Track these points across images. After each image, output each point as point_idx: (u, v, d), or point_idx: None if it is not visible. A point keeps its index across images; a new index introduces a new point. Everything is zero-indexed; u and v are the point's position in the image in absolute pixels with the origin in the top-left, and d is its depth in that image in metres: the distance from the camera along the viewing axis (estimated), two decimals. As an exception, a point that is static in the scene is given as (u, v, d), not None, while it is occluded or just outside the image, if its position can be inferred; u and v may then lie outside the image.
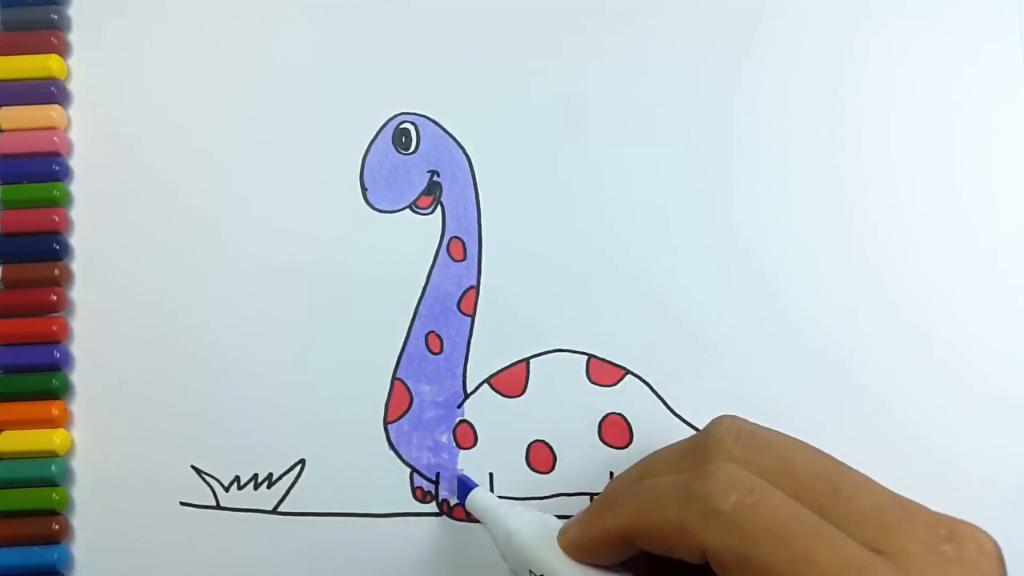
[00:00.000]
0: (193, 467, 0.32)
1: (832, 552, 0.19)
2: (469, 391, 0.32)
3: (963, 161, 0.33)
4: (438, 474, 0.31)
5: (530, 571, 0.25)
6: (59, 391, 0.32)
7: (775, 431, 0.23)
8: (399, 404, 0.32)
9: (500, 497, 0.31)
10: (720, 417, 0.24)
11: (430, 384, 0.32)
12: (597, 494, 0.31)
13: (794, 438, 0.23)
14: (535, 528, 0.26)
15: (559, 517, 0.31)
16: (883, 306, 0.32)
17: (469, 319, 0.32)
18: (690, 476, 0.21)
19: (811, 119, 0.33)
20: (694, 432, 0.31)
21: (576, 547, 0.24)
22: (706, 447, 0.23)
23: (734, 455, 0.22)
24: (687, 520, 0.21)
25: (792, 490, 0.21)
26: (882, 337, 0.32)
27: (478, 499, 0.30)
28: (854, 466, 0.22)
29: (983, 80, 0.33)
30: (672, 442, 0.25)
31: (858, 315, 0.32)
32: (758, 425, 0.23)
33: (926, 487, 0.31)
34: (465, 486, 0.30)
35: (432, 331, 0.32)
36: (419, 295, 0.32)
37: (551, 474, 0.31)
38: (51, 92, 0.33)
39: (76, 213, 0.33)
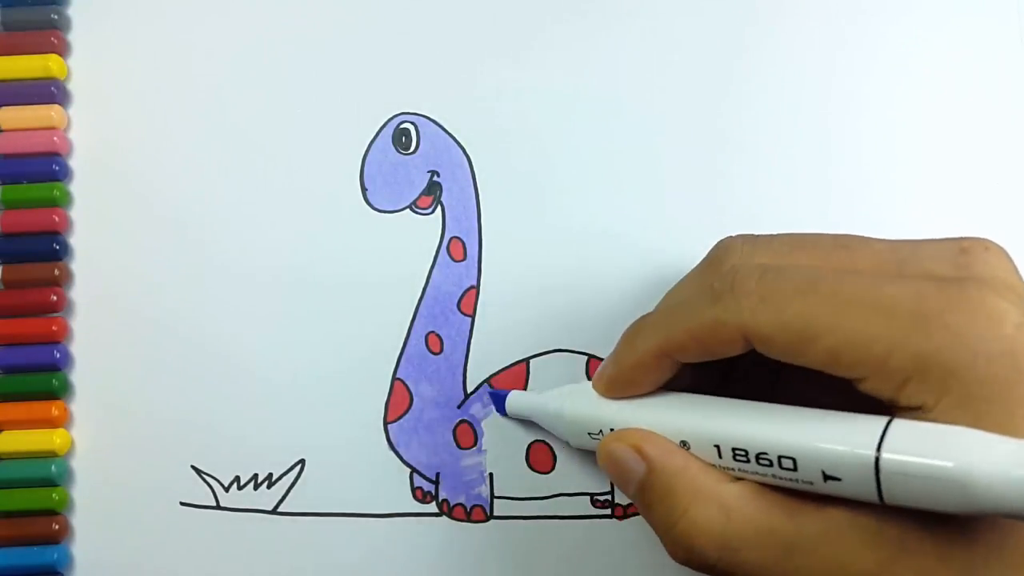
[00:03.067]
0: (193, 467, 0.32)
1: (856, 284, 0.20)
2: (469, 391, 0.32)
3: (973, 158, 0.33)
4: (438, 474, 0.32)
5: (590, 435, 0.26)
6: (59, 391, 0.32)
7: (776, 233, 0.24)
8: (399, 404, 0.32)
9: (499, 497, 0.31)
10: (725, 238, 0.25)
11: (430, 384, 0.32)
12: (597, 494, 0.31)
13: (795, 232, 0.24)
14: (573, 397, 0.27)
15: (560, 518, 0.31)
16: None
17: (469, 319, 0.32)
18: (711, 280, 0.23)
19: (819, 121, 0.33)
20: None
21: (615, 382, 0.25)
22: (717, 258, 0.24)
23: (746, 252, 0.23)
24: (720, 313, 0.22)
25: (808, 260, 0.22)
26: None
27: (516, 403, 0.30)
28: None
29: (983, 78, 0.33)
30: None
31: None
32: (760, 233, 0.25)
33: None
34: (499, 398, 0.31)
35: (432, 331, 0.32)
36: (419, 295, 0.32)
37: (551, 474, 0.31)
38: (51, 92, 0.33)
39: (76, 213, 0.33)
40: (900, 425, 0.19)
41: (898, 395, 0.19)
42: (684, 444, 0.23)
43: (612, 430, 0.25)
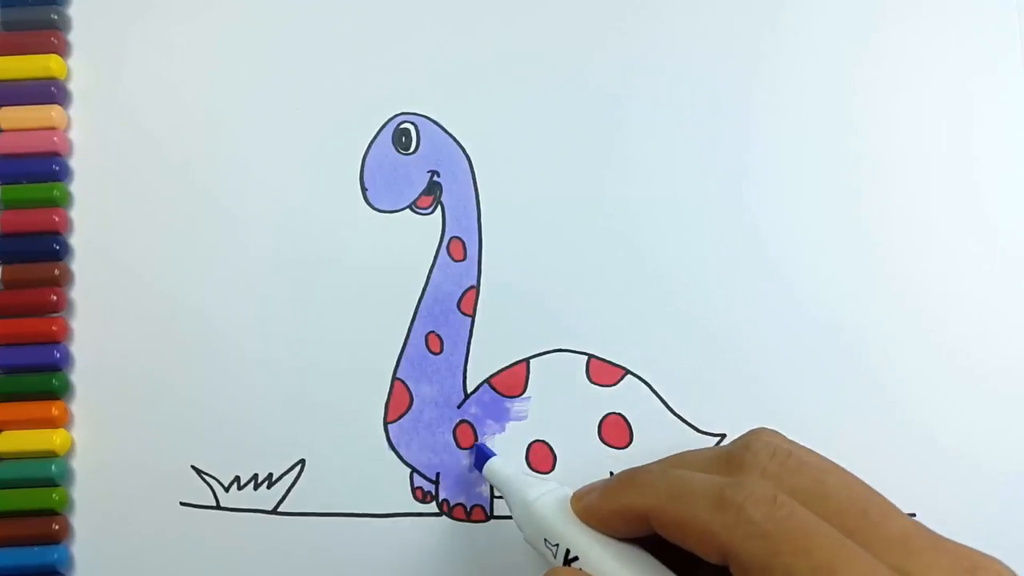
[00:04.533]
0: (193, 467, 0.32)
1: (855, 567, 0.19)
2: (469, 391, 0.32)
3: (975, 158, 0.33)
4: (438, 474, 0.31)
5: (545, 540, 0.26)
6: (59, 391, 0.32)
7: (810, 451, 0.24)
8: (399, 404, 0.32)
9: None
10: (758, 430, 0.24)
11: (430, 384, 0.32)
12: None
13: (829, 460, 0.23)
14: (552, 499, 0.26)
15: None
16: (891, 302, 0.32)
17: (469, 319, 0.32)
18: (725, 481, 0.22)
19: (823, 119, 0.33)
20: (693, 431, 0.31)
21: (592, 514, 0.25)
22: (742, 459, 0.23)
23: (769, 471, 0.22)
24: (715, 522, 0.21)
25: (822, 510, 0.21)
26: (889, 333, 0.32)
27: (496, 468, 0.30)
28: (860, 462, 0.23)
29: (989, 77, 0.33)
30: (696, 448, 0.26)
31: (864, 314, 0.32)
32: (794, 443, 0.24)
33: (934, 481, 0.31)
34: (483, 455, 0.30)
35: (432, 331, 0.32)
36: (419, 295, 0.32)
37: (551, 474, 0.31)
38: (51, 92, 0.33)
39: (76, 213, 0.33)
40: None
41: None
42: None
43: (567, 551, 0.25)
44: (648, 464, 0.26)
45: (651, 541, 0.24)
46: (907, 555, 0.20)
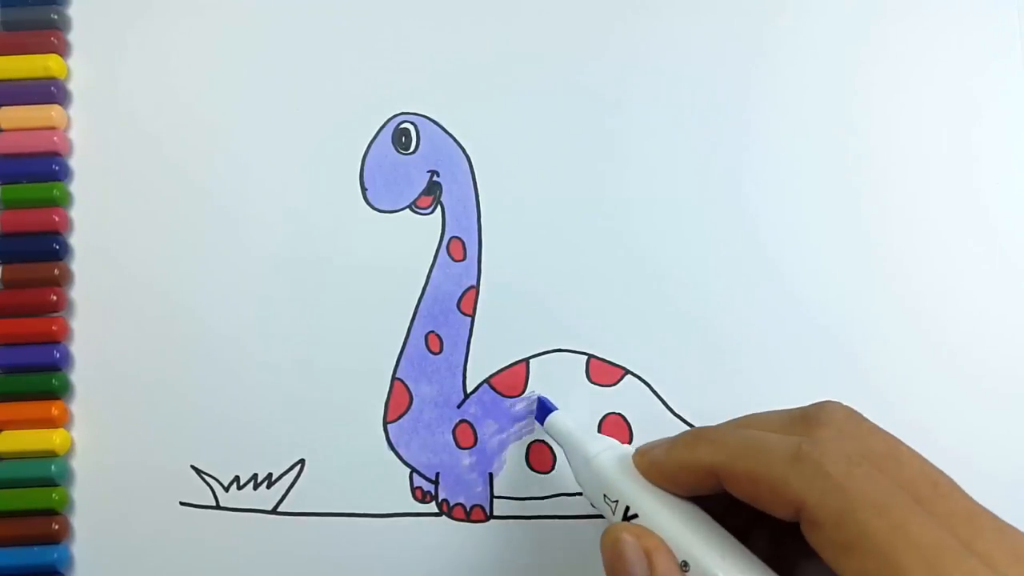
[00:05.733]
0: (193, 467, 0.32)
1: (927, 531, 0.19)
2: (469, 391, 0.32)
3: (975, 158, 0.33)
4: (438, 474, 0.31)
5: (605, 496, 0.26)
6: (59, 391, 0.32)
7: (880, 427, 0.24)
8: (399, 404, 0.32)
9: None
10: (829, 401, 0.24)
11: (430, 384, 0.32)
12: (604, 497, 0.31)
13: (895, 436, 0.23)
14: (614, 455, 0.26)
15: (559, 518, 0.31)
16: (891, 302, 0.32)
17: (469, 319, 0.32)
18: (801, 438, 0.22)
19: (822, 119, 0.33)
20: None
21: (658, 469, 0.25)
22: (818, 418, 0.23)
23: (846, 431, 0.23)
24: (792, 476, 0.21)
25: (896, 475, 0.21)
26: (889, 333, 0.32)
27: (558, 422, 0.29)
28: None
29: (989, 77, 0.33)
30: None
31: (863, 314, 0.32)
32: (865, 416, 0.24)
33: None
34: (545, 408, 0.30)
35: (432, 331, 0.32)
36: (419, 295, 0.32)
37: (551, 474, 0.31)
38: (51, 92, 0.33)
39: (76, 213, 0.33)
40: None
41: None
42: (684, 565, 0.23)
43: (627, 508, 0.25)
44: (717, 424, 0.26)
45: (710, 502, 0.24)
46: (972, 531, 0.20)
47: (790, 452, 0.21)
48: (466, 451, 0.32)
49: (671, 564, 0.23)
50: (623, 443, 0.27)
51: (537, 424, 0.31)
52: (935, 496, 0.21)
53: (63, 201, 0.32)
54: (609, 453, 0.26)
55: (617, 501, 0.25)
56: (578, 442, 0.28)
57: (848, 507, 0.20)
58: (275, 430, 0.32)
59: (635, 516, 0.24)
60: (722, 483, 0.23)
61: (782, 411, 0.25)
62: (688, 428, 0.31)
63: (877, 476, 0.21)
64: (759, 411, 0.25)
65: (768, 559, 0.22)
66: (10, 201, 0.32)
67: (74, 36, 0.34)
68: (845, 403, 0.24)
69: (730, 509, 0.23)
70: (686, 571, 0.22)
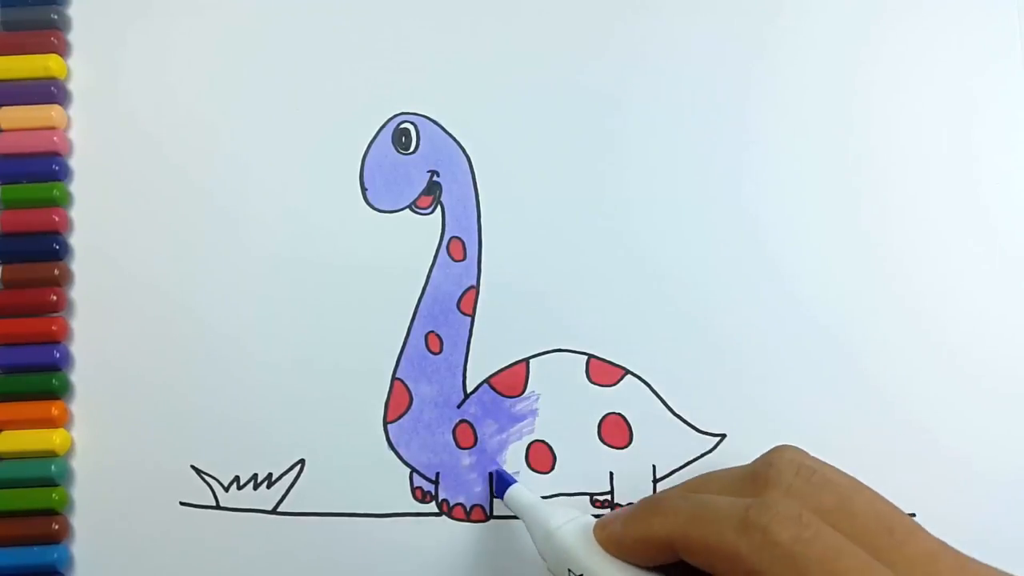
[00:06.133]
0: (193, 467, 0.32)
1: None
2: (469, 391, 0.32)
3: (975, 158, 0.33)
4: (438, 474, 0.31)
5: (569, 570, 0.26)
6: (59, 391, 0.32)
7: (835, 469, 0.23)
8: (399, 404, 0.32)
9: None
10: (782, 447, 0.24)
11: (430, 384, 0.32)
12: (597, 494, 0.31)
13: (852, 478, 0.23)
14: (575, 528, 0.26)
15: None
16: (891, 302, 0.32)
17: (469, 319, 0.32)
18: (749, 502, 0.22)
19: (822, 119, 0.33)
20: (693, 431, 0.31)
21: (616, 543, 0.25)
22: (766, 477, 0.23)
23: (794, 489, 0.22)
24: (742, 545, 0.21)
25: (848, 528, 0.21)
26: (889, 334, 0.32)
27: (517, 496, 0.29)
28: (859, 463, 0.23)
29: (989, 77, 0.33)
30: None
31: (864, 314, 0.32)
32: (818, 460, 0.24)
33: (933, 483, 0.31)
34: (504, 481, 0.30)
35: (432, 331, 0.32)
36: (419, 295, 0.32)
37: (551, 474, 0.31)
38: (51, 92, 0.33)
39: (76, 213, 0.33)
40: None
41: None
42: None
43: None
44: (670, 489, 0.26)
45: (677, 570, 0.24)
46: (933, 574, 0.20)
47: (738, 519, 0.21)
48: (466, 451, 0.32)
49: None
50: (589, 516, 0.27)
51: (537, 425, 0.31)
52: (892, 544, 0.21)
53: (63, 201, 0.32)
54: (571, 526, 0.26)
55: (582, 575, 0.25)
56: (539, 515, 0.28)
57: (800, 573, 0.20)
58: (275, 430, 0.32)
59: None
60: (682, 555, 0.23)
61: (733, 469, 0.25)
62: (692, 426, 0.32)
63: (828, 535, 0.20)
64: (715, 469, 0.26)
65: None
66: (10, 201, 0.32)
67: (74, 36, 0.33)
68: (795, 447, 0.24)
69: (697, 573, 0.23)
70: None
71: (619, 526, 0.25)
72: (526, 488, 0.30)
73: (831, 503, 0.22)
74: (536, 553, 0.28)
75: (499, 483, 0.31)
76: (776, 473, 0.23)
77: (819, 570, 0.20)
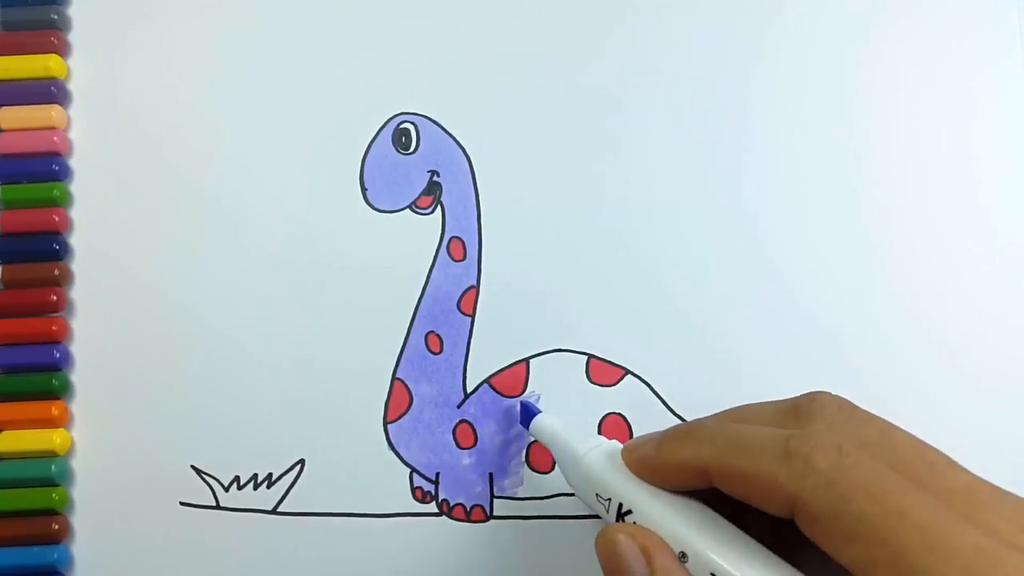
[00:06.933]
0: (193, 467, 0.32)
1: (925, 510, 0.19)
2: (469, 391, 0.32)
3: (975, 158, 0.33)
4: (438, 474, 0.31)
5: (597, 495, 0.26)
6: (59, 391, 0.32)
7: (872, 414, 0.23)
8: (399, 404, 0.32)
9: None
10: (821, 391, 0.24)
11: (430, 384, 0.32)
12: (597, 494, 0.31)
13: (889, 421, 0.23)
14: (602, 452, 0.26)
15: (559, 518, 0.31)
16: (891, 302, 0.32)
17: (469, 319, 0.32)
18: (790, 433, 0.22)
19: (822, 119, 0.33)
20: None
21: (647, 466, 0.24)
22: (808, 410, 0.23)
23: (836, 423, 0.22)
24: (781, 474, 0.21)
25: (889, 460, 0.21)
26: (889, 335, 0.32)
27: (543, 425, 0.29)
28: None
29: (989, 77, 0.33)
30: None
31: (863, 314, 0.32)
32: (857, 405, 0.24)
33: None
34: (529, 412, 0.30)
35: (432, 331, 0.32)
36: (419, 295, 0.32)
37: (551, 474, 0.31)
38: (51, 92, 0.33)
39: (76, 213, 0.33)
40: None
41: None
42: (683, 556, 0.22)
43: (620, 505, 0.25)
44: (706, 417, 0.26)
45: (704, 494, 0.24)
46: (973, 504, 0.20)
47: (779, 449, 0.21)
48: (466, 451, 0.32)
49: (670, 559, 0.22)
50: (616, 440, 0.27)
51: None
52: (932, 475, 0.21)
53: (63, 201, 0.32)
54: (597, 451, 0.26)
55: (610, 499, 0.25)
56: (565, 443, 0.28)
57: (842, 498, 0.20)
58: (275, 430, 0.32)
59: (629, 512, 0.24)
60: (715, 482, 0.23)
61: (773, 403, 0.25)
62: (679, 424, 0.31)
63: (869, 463, 0.21)
64: (750, 402, 0.25)
65: (767, 547, 0.22)
66: (10, 201, 0.32)
67: (74, 36, 0.34)
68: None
69: (724, 500, 0.23)
70: (685, 562, 0.22)
71: (651, 449, 0.24)
72: (552, 417, 0.29)
73: (872, 437, 0.22)
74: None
75: (524, 413, 0.30)
76: (819, 407, 0.23)
77: (861, 495, 0.20)
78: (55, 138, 0.32)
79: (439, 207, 0.33)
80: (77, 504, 0.32)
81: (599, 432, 0.31)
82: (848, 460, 0.21)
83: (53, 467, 0.31)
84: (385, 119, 0.33)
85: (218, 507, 0.31)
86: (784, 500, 0.21)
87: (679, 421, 0.31)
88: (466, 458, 0.32)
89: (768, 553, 0.22)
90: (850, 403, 0.23)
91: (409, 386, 0.32)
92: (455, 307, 0.32)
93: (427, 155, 0.33)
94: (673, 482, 0.24)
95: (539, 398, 0.31)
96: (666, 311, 0.32)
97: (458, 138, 0.33)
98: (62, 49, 0.33)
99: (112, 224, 0.33)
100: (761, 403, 0.25)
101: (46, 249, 0.32)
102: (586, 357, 0.32)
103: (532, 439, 0.31)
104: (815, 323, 0.32)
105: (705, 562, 0.22)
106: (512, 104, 0.33)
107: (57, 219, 0.32)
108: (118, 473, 0.32)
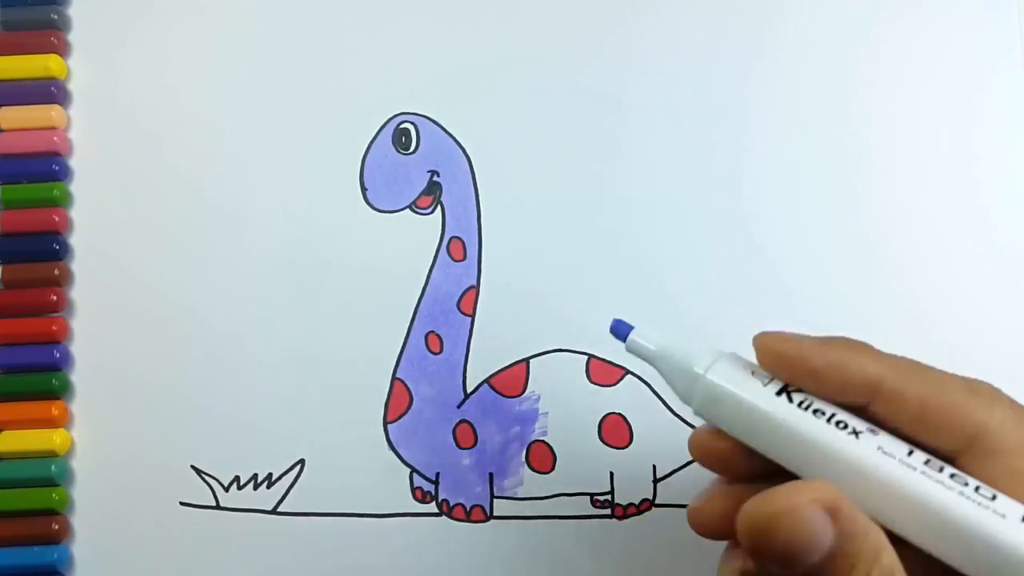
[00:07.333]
0: (193, 467, 0.32)
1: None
2: (469, 391, 0.32)
3: (975, 158, 0.33)
4: (438, 474, 0.31)
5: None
6: (59, 391, 0.32)
7: None
8: (399, 404, 0.32)
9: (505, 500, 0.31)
10: None
11: (430, 384, 0.32)
12: (597, 494, 0.31)
13: None
14: (724, 368, 0.23)
15: (559, 518, 0.31)
16: (891, 302, 0.32)
17: (469, 319, 0.32)
18: (968, 380, 0.22)
19: (822, 119, 0.33)
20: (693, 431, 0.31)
21: (800, 362, 0.22)
22: (980, 383, 0.22)
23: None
24: (971, 403, 0.21)
25: None
26: (888, 333, 0.32)
27: (641, 342, 0.25)
28: None
29: (989, 77, 0.33)
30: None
31: (863, 314, 0.32)
32: None
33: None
34: (623, 327, 0.25)
35: (432, 331, 0.32)
36: (419, 295, 0.32)
37: (551, 474, 0.31)
38: (51, 92, 0.33)
39: (76, 213, 0.33)
40: None
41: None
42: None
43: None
44: None
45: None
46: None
47: (963, 383, 0.22)
48: (466, 451, 0.32)
49: (862, 520, 0.19)
50: (725, 353, 0.23)
51: (537, 425, 0.31)
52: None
53: (63, 201, 0.32)
54: (719, 367, 0.23)
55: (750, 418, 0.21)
56: (675, 360, 0.24)
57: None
58: (275, 430, 0.32)
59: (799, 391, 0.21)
60: (877, 401, 0.21)
61: None
62: (692, 426, 0.31)
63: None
64: None
65: None
66: (10, 201, 0.32)
67: (74, 36, 0.34)
68: None
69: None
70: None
71: (813, 347, 0.22)
72: (648, 331, 0.25)
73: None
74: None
75: (618, 329, 0.25)
76: (989, 384, 0.23)
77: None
78: (55, 138, 0.32)
79: (439, 207, 0.33)
80: (77, 504, 0.32)
81: (599, 433, 0.31)
82: None
83: (53, 467, 0.31)
84: (385, 119, 0.33)
85: (218, 507, 0.31)
86: (967, 429, 0.21)
87: (679, 421, 0.31)
88: (466, 458, 0.32)
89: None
90: None
91: (409, 386, 0.32)
92: (455, 307, 0.32)
93: (427, 155, 0.33)
94: (828, 385, 0.21)
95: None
96: (666, 311, 0.32)
97: (458, 138, 0.33)
98: (62, 49, 0.33)
99: (112, 224, 0.33)
100: None
101: (46, 249, 0.32)
102: (586, 357, 0.32)
103: (532, 439, 0.31)
104: (815, 323, 0.32)
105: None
106: (512, 104, 0.33)
107: (57, 219, 0.32)
108: (118, 473, 0.32)
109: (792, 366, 0.22)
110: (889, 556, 0.19)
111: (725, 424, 0.22)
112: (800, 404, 0.21)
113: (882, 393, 0.21)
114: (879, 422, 0.21)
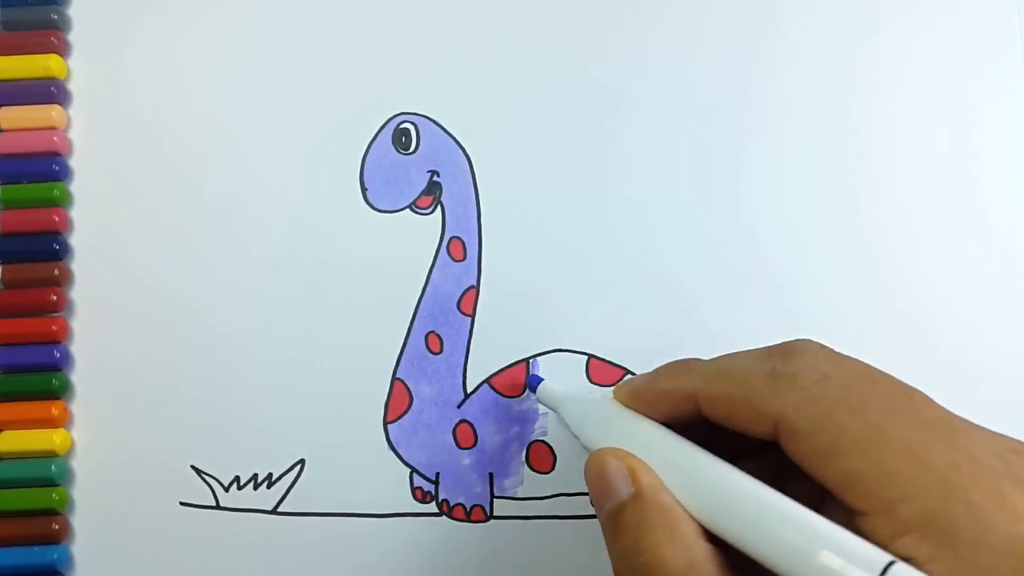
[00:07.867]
0: (193, 467, 0.32)
1: (906, 429, 0.20)
2: (469, 391, 0.32)
3: (975, 158, 0.33)
4: (438, 474, 0.31)
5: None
6: (59, 391, 0.32)
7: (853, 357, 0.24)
8: (399, 404, 0.32)
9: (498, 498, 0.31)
10: (803, 338, 0.25)
11: (430, 384, 0.32)
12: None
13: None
14: (593, 415, 0.26)
15: (559, 518, 0.31)
16: (891, 302, 0.32)
17: (469, 319, 0.32)
18: (776, 361, 0.23)
19: (822, 119, 0.33)
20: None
21: (636, 395, 0.25)
22: (792, 347, 0.24)
23: (819, 356, 0.23)
24: (767, 392, 0.22)
25: (870, 390, 0.22)
26: (888, 333, 0.32)
27: (548, 391, 0.30)
28: None
29: (989, 77, 0.33)
30: None
31: (863, 314, 0.32)
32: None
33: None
34: (535, 380, 0.31)
35: (432, 331, 0.32)
36: (419, 295, 0.32)
37: (551, 474, 0.31)
38: (51, 92, 0.33)
39: (76, 213, 0.33)
40: (902, 570, 0.19)
41: (893, 541, 0.19)
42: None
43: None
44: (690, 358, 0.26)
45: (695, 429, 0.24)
46: (950, 432, 0.21)
47: (766, 372, 0.22)
48: (466, 451, 0.32)
49: (656, 480, 0.23)
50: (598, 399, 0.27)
51: (537, 425, 0.31)
52: (911, 405, 0.22)
53: (63, 201, 0.32)
54: (591, 415, 0.26)
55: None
56: (567, 409, 0.28)
57: (825, 413, 0.21)
58: (275, 430, 0.32)
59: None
60: (699, 407, 0.24)
61: (757, 348, 0.25)
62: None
63: (852, 385, 0.22)
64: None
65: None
66: (10, 201, 0.32)
67: (74, 36, 0.34)
68: None
69: (712, 439, 0.24)
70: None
71: (642, 381, 0.26)
72: (552, 384, 0.30)
73: (855, 368, 0.23)
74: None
75: (532, 382, 0.31)
76: (802, 346, 0.24)
77: (843, 411, 0.21)
78: (55, 138, 0.32)
79: (439, 207, 0.33)
80: (77, 504, 0.32)
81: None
82: (832, 381, 0.22)
83: (53, 467, 0.31)
84: (385, 119, 0.33)
85: (218, 507, 0.31)
86: (768, 417, 0.22)
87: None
88: (466, 458, 0.32)
89: (745, 478, 0.22)
90: (830, 348, 0.24)
91: (409, 386, 0.32)
92: (455, 307, 0.32)
93: (427, 155, 0.33)
94: (660, 409, 0.25)
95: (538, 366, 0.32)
96: (666, 311, 0.32)
97: (458, 138, 0.33)
98: (62, 49, 0.33)
99: (112, 224, 0.33)
100: (747, 350, 0.26)
101: (46, 249, 0.32)
102: (586, 357, 0.32)
103: (532, 439, 0.31)
104: (815, 323, 0.32)
105: (700, 488, 0.22)
106: (512, 104, 0.33)
107: (57, 219, 0.32)
108: (118, 473, 0.32)
109: (637, 400, 0.25)
110: (688, 529, 0.22)
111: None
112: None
113: (700, 400, 0.24)
114: (786, 452, 0.22)
